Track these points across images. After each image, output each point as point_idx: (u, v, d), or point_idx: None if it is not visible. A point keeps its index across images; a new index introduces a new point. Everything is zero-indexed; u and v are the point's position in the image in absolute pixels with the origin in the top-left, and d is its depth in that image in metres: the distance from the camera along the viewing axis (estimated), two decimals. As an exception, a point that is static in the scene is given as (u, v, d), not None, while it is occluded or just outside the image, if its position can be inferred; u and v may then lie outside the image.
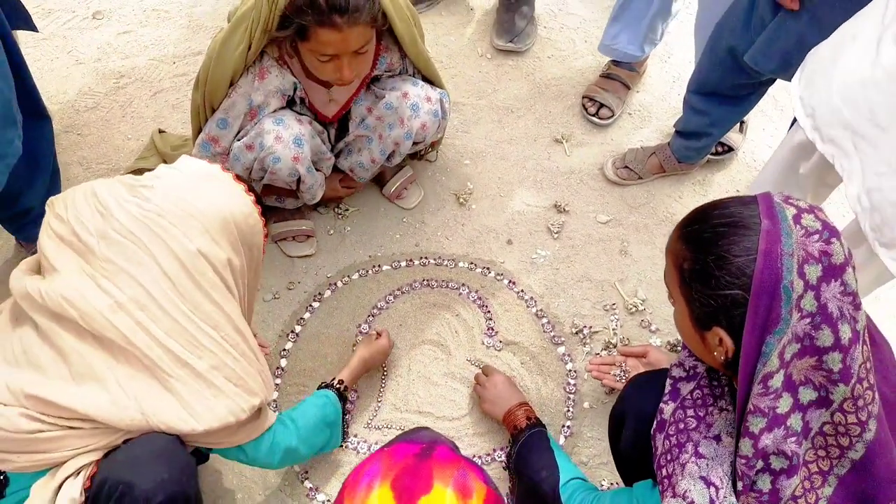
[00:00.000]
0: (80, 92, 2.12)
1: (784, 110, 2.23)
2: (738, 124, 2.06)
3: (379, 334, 1.66)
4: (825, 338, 0.86)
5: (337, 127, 1.76)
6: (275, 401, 1.63)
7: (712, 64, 1.71)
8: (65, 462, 1.10)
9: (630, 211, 1.98)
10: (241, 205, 1.19)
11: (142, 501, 1.07)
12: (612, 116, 2.13)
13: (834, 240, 0.87)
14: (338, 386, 1.50)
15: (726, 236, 0.89)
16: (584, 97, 2.16)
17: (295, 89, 1.59)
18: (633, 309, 1.80)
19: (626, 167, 2.01)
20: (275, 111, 1.58)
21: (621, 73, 2.15)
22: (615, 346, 1.74)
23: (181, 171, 1.19)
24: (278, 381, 1.66)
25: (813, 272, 0.85)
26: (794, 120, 1.82)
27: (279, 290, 1.80)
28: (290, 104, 1.63)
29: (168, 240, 1.10)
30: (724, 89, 1.73)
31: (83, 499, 1.10)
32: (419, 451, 0.86)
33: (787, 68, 1.46)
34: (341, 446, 1.56)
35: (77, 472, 1.10)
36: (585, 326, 1.76)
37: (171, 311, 1.10)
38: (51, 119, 1.64)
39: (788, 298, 0.85)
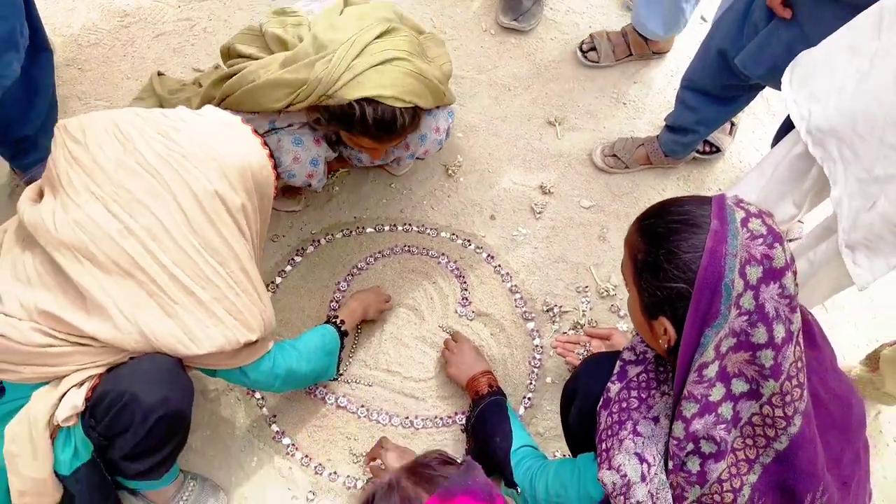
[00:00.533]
0: (84, 27, 2.13)
1: (776, 115, 2.27)
2: (729, 126, 2.10)
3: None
4: (760, 335, 0.92)
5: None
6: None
7: (704, 63, 1.74)
8: (68, 375, 1.16)
9: (613, 199, 2.03)
10: (258, 156, 1.25)
11: (142, 413, 1.15)
12: (596, 62, 2.23)
13: (777, 245, 0.92)
14: (338, 322, 1.57)
15: (678, 232, 0.95)
16: (589, 35, 2.25)
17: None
18: (605, 293, 1.86)
19: (615, 155, 2.05)
20: (296, 128, 1.60)
21: (633, 36, 2.21)
22: (583, 327, 1.80)
23: (206, 117, 1.25)
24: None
25: (754, 273, 0.90)
26: (781, 128, 1.87)
27: (264, 241, 1.84)
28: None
29: (189, 179, 1.16)
30: (714, 89, 1.77)
31: (83, 408, 1.16)
32: None
33: (774, 75, 1.50)
34: (335, 379, 1.64)
35: (81, 383, 1.16)
36: (556, 305, 1.82)
37: (182, 243, 1.15)
38: (52, 51, 1.66)
39: (728, 295, 0.90)
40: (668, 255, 0.94)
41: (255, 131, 1.30)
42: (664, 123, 2.01)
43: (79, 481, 1.23)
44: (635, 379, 1.13)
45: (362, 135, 1.48)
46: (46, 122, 1.70)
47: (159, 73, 1.99)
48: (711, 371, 0.94)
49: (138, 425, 1.18)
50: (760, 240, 0.92)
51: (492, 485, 0.90)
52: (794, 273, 0.94)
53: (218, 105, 1.58)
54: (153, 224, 1.15)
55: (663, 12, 2.06)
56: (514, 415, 1.49)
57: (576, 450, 1.35)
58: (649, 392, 1.10)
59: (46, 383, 1.20)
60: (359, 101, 1.41)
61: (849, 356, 1.81)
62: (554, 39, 2.33)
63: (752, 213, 0.95)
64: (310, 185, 1.70)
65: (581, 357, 1.64)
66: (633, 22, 2.17)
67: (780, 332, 0.92)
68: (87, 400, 1.18)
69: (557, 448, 1.64)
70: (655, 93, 2.24)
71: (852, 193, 1.30)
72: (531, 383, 1.72)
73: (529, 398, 1.70)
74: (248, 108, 1.49)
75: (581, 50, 2.26)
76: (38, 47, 1.60)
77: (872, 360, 1.63)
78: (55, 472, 1.21)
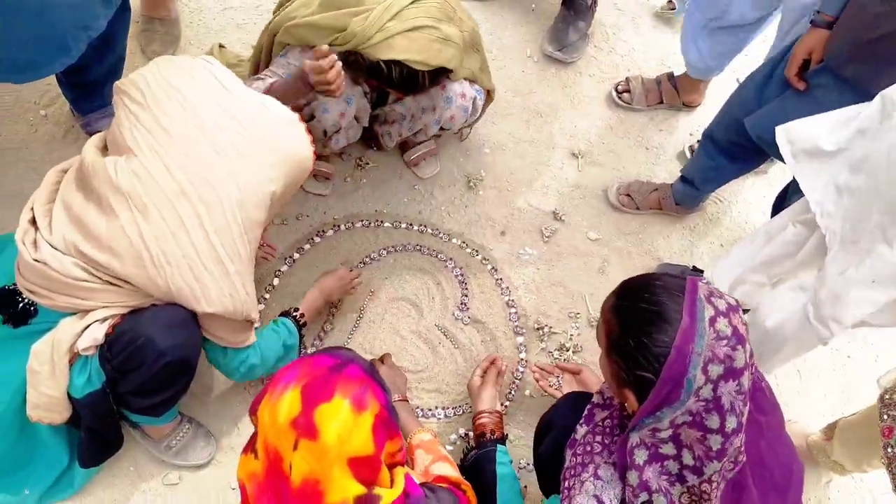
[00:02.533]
0: (159, -11, 2.26)
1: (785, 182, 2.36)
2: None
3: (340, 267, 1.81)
4: (713, 422, 1.01)
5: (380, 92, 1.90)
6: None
7: (722, 119, 1.86)
8: (94, 309, 1.29)
9: (619, 236, 2.15)
10: (307, 154, 1.39)
11: (155, 354, 1.29)
12: (628, 104, 2.36)
13: (739, 347, 1.01)
14: (296, 315, 1.66)
15: (649, 324, 1.02)
16: (626, 77, 2.38)
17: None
18: (595, 323, 1.97)
19: (629, 195, 2.17)
20: None
21: (666, 85, 2.34)
22: (568, 350, 1.91)
23: (271, 110, 1.37)
24: (266, 296, 1.85)
25: (715, 371, 0.99)
26: (779, 196, 1.97)
27: (288, 217, 1.98)
28: None
29: (249, 164, 1.29)
30: (727, 145, 1.87)
31: (103, 341, 1.29)
32: (333, 365, 0.98)
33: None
34: None
35: (104, 320, 1.30)
36: (547, 325, 1.94)
37: (228, 217, 1.28)
38: (130, 10, 1.80)
39: (689, 388, 0.99)
40: (639, 346, 1.02)
41: (309, 130, 1.42)
42: (680, 174, 2.12)
43: (87, 406, 1.37)
44: (601, 423, 1.23)
45: (387, 87, 1.65)
46: (111, 74, 1.84)
47: (220, 46, 2.13)
48: (665, 433, 1.04)
49: (149, 365, 1.31)
50: (725, 341, 1.00)
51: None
52: (751, 371, 1.04)
53: (269, 46, 1.73)
54: (207, 193, 1.27)
55: (705, 52, 2.14)
56: (507, 469, 1.49)
57: (543, 477, 1.44)
58: (612, 438, 1.19)
59: (74, 314, 1.33)
60: (387, 61, 1.55)
61: (813, 424, 1.92)
62: (592, 76, 2.44)
63: (721, 312, 1.02)
64: (338, 131, 1.78)
65: (553, 386, 1.74)
66: (682, 50, 2.26)
67: (731, 423, 1.01)
68: (107, 335, 1.31)
69: (523, 456, 1.75)
70: (677, 143, 2.35)
71: (835, 260, 1.41)
72: (511, 393, 1.84)
73: (507, 405, 1.82)
74: (294, 42, 1.63)
75: (616, 90, 2.38)
76: (123, 6, 1.73)
77: (829, 430, 1.73)
78: (68, 394, 1.35)
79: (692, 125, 2.38)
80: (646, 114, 2.39)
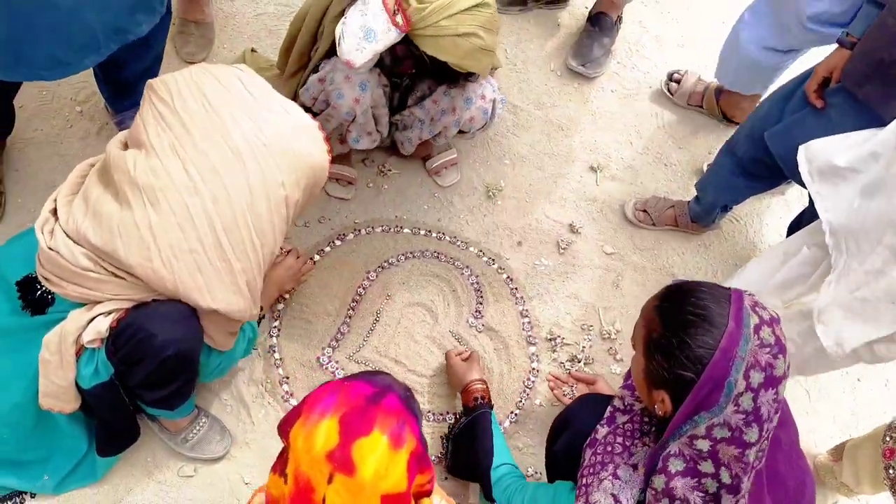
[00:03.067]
0: (194, -7, 2.33)
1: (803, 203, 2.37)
2: None
3: (287, 252, 1.79)
4: (752, 435, 1.03)
5: (401, 90, 1.94)
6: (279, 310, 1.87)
7: (742, 134, 1.86)
8: (102, 302, 1.34)
9: (635, 251, 2.17)
10: (323, 160, 1.41)
11: (156, 348, 1.32)
12: (671, 95, 2.42)
13: (780, 356, 1.03)
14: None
15: (694, 326, 1.04)
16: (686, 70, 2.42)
17: None
18: (607, 336, 1.99)
19: (645, 211, 2.19)
20: None
21: (711, 92, 2.38)
22: (580, 362, 1.94)
23: (292, 116, 1.40)
24: (287, 296, 1.89)
25: (756, 378, 1.01)
26: (796, 219, 1.99)
27: (310, 220, 2.02)
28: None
29: (264, 167, 1.31)
30: (745, 160, 1.87)
31: (108, 334, 1.34)
32: (371, 395, 0.96)
33: (793, 158, 1.59)
34: (349, 356, 1.83)
35: (109, 313, 1.34)
36: (559, 336, 1.96)
37: (237, 216, 1.30)
38: (172, 14, 1.85)
39: (730, 392, 1.02)
40: (682, 345, 1.04)
41: (328, 139, 1.46)
42: (695, 189, 2.14)
43: (96, 396, 1.41)
44: (622, 426, 1.25)
45: (417, 69, 1.74)
46: (147, 73, 1.90)
47: (252, 50, 2.18)
48: (702, 445, 1.05)
49: (150, 359, 1.34)
50: (768, 349, 1.02)
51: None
52: (786, 379, 1.06)
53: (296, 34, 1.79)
54: (219, 192, 1.29)
55: (735, 70, 2.17)
56: (499, 430, 1.61)
57: (553, 475, 1.47)
58: (633, 441, 1.22)
59: (84, 304, 1.36)
60: (429, 55, 1.64)
61: (821, 445, 1.92)
62: (614, 92, 2.47)
63: (765, 321, 1.05)
64: (353, 120, 1.81)
65: (567, 395, 1.78)
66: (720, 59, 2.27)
67: (766, 432, 1.04)
68: (111, 328, 1.34)
69: (531, 464, 1.78)
70: (696, 161, 2.37)
71: (840, 279, 1.43)
72: (521, 401, 1.86)
73: (517, 414, 1.85)
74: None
75: (668, 77, 2.43)
76: (167, 11, 1.79)
77: (837, 451, 1.74)
78: (77, 385, 1.39)
79: (711, 144, 2.40)
80: (666, 131, 2.41)
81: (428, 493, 1.04)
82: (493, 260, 2.06)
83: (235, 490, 1.64)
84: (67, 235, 1.32)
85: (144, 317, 1.34)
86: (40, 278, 1.38)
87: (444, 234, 2.08)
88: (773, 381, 1.02)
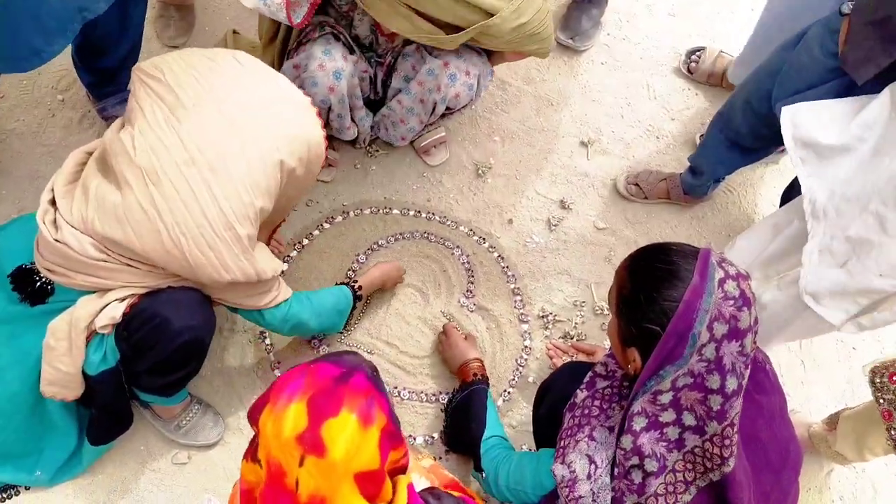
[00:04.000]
0: (173, -25, 2.29)
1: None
2: None
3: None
4: (713, 382, 1.05)
5: (385, 70, 1.91)
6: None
7: (739, 108, 1.79)
8: (114, 289, 1.33)
9: (627, 225, 2.15)
10: (319, 137, 1.40)
11: (171, 334, 1.33)
12: (690, 74, 2.39)
13: (745, 308, 1.04)
14: (355, 286, 1.73)
15: (661, 280, 1.06)
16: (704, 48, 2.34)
17: None
18: (599, 311, 1.98)
19: (637, 185, 2.17)
20: (328, 42, 1.74)
21: (721, 61, 2.34)
22: (572, 338, 1.93)
23: (285, 89, 1.39)
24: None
25: (720, 329, 1.02)
26: (788, 187, 1.96)
27: (298, 204, 2.00)
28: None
29: (259, 133, 1.30)
30: (744, 134, 1.82)
31: (121, 320, 1.33)
32: (338, 375, 0.96)
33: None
34: (341, 334, 1.84)
35: (123, 299, 1.34)
36: (551, 314, 1.95)
37: (237, 182, 1.28)
38: None
39: (693, 343, 1.03)
40: (649, 300, 1.06)
41: (320, 115, 1.44)
42: (688, 162, 2.11)
43: (101, 383, 1.41)
44: (601, 391, 1.27)
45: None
46: (127, 59, 1.87)
47: (234, 32, 2.15)
48: (665, 398, 1.08)
49: (164, 345, 1.35)
50: (731, 301, 1.03)
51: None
52: (755, 334, 1.07)
53: None
54: (216, 160, 1.27)
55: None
56: (493, 406, 1.63)
57: (540, 442, 1.50)
58: (611, 404, 1.24)
59: (93, 292, 1.36)
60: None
61: (815, 414, 1.92)
62: (604, 64, 2.43)
63: (731, 275, 1.05)
64: (329, 108, 1.80)
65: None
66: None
67: (731, 384, 1.05)
68: (124, 314, 1.34)
69: (525, 442, 1.78)
70: (689, 132, 2.33)
71: (822, 249, 1.41)
72: (514, 379, 1.86)
73: (509, 392, 1.84)
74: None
75: (687, 54, 2.41)
76: None
77: (832, 420, 1.74)
78: (83, 371, 1.39)
79: (704, 115, 2.37)
80: (658, 102, 2.38)
81: (403, 470, 1.04)
82: (484, 239, 2.05)
83: (230, 476, 1.65)
84: (73, 227, 1.31)
85: (160, 303, 1.34)
86: (41, 269, 1.37)
87: (433, 214, 2.06)
88: (738, 334, 1.03)
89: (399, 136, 2.00)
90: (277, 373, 1.78)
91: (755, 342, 1.08)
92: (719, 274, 1.05)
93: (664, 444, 1.10)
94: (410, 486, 1.06)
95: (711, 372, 1.04)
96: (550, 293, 2.00)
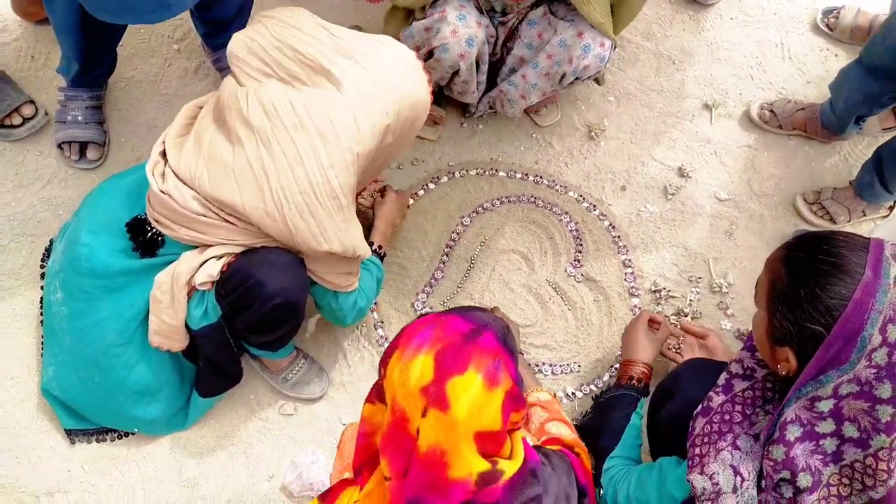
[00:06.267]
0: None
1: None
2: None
3: (382, 193, 1.75)
4: (884, 391, 0.93)
5: (507, 33, 1.80)
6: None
7: (880, 46, 1.68)
8: (212, 245, 1.34)
9: (751, 197, 1.98)
10: (426, 95, 1.37)
11: (264, 296, 1.32)
12: (830, 31, 2.19)
13: None
14: (377, 249, 1.66)
15: (825, 275, 0.94)
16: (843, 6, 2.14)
17: None
18: (717, 289, 1.85)
19: (772, 111, 2.03)
20: (463, 4, 1.65)
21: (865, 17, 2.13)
22: (686, 316, 1.82)
23: (392, 49, 1.36)
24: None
25: (894, 332, 0.90)
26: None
27: (404, 163, 1.96)
28: None
29: (368, 100, 1.27)
30: (884, 71, 1.70)
31: (218, 277, 1.35)
32: (468, 332, 0.94)
33: None
34: (443, 302, 1.81)
35: (220, 257, 1.35)
36: (665, 288, 1.84)
37: (344, 151, 1.27)
38: None
39: (863, 348, 0.91)
40: (811, 296, 0.95)
41: (429, 75, 1.39)
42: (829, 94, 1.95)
43: (204, 337, 1.44)
44: (740, 394, 1.15)
45: None
46: (241, 12, 1.86)
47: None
48: (825, 406, 0.97)
49: (258, 307, 1.35)
50: None
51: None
52: None
53: None
54: (325, 125, 1.26)
55: None
56: (639, 421, 1.47)
57: (655, 445, 1.39)
58: (754, 409, 1.12)
59: (195, 247, 1.38)
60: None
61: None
62: (734, 19, 2.23)
63: None
64: (457, 73, 1.74)
65: (670, 348, 1.67)
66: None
67: None
68: (222, 272, 1.35)
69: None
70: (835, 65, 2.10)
71: None
72: (619, 355, 1.78)
73: (616, 368, 1.76)
74: None
75: (823, 12, 2.21)
76: None
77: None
78: (186, 325, 1.42)
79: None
80: (793, 63, 2.17)
81: (519, 428, 1.02)
82: (595, 206, 1.94)
83: (333, 430, 1.67)
84: (179, 178, 1.32)
85: (254, 264, 1.34)
86: (150, 220, 1.40)
87: (541, 177, 1.97)
88: None
89: (516, 112, 1.90)
90: (381, 331, 1.77)
91: None
92: (894, 270, 0.93)
93: (819, 456, 0.99)
94: (525, 441, 1.04)
95: (882, 380, 0.92)
96: (664, 267, 1.88)
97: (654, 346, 1.63)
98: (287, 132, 1.26)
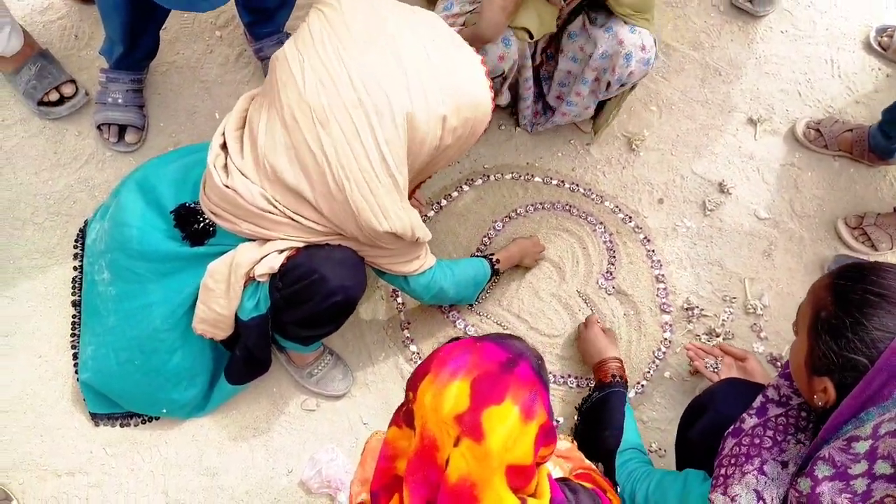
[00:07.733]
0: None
1: None
2: None
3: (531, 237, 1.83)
4: None
5: (545, 42, 1.77)
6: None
7: None
8: (274, 239, 1.34)
9: (792, 217, 1.94)
10: (487, 99, 1.33)
11: (325, 292, 1.33)
12: (884, 51, 2.13)
13: None
14: (493, 260, 1.69)
15: (873, 306, 0.92)
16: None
17: None
18: (752, 310, 1.81)
19: (818, 130, 1.97)
20: None
21: None
22: (717, 336, 1.78)
23: (460, 48, 1.32)
24: None
25: None
26: None
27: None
28: None
29: (428, 93, 1.24)
30: None
31: (277, 271, 1.35)
32: (505, 361, 0.92)
33: None
34: (471, 305, 1.79)
35: (282, 251, 1.35)
36: (697, 307, 1.81)
37: (398, 128, 1.24)
38: None
39: None
40: (856, 326, 0.92)
41: (492, 81, 1.36)
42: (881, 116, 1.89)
43: (251, 328, 1.43)
44: (773, 419, 1.13)
45: None
46: (286, 2, 1.85)
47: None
48: (861, 447, 0.94)
49: (318, 302, 1.35)
50: None
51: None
52: None
53: None
54: (381, 102, 1.22)
55: None
56: (631, 411, 1.52)
57: (682, 460, 1.38)
58: (786, 436, 1.10)
59: (253, 240, 1.37)
60: None
61: None
62: (784, 33, 2.17)
63: None
64: (501, 75, 1.70)
65: (708, 367, 1.64)
66: None
67: None
68: (282, 265, 1.35)
69: (654, 440, 1.68)
70: (878, 118, 2.05)
71: None
72: (649, 372, 1.75)
73: (643, 385, 1.74)
74: None
75: (877, 29, 2.15)
76: None
77: None
78: (235, 315, 1.41)
79: (899, 99, 2.07)
80: (842, 81, 2.11)
81: (545, 463, 0.99)
82: (630, 217, 1.91)
83: (354, 428, 1.66)
84: (244, 174, 1.31)
85: (318, 260, 1.34)
86: (206, 212, 1.39)
87: (577, 185, 1.94)
88: None
89: (564, 122, 1.90)
90: (407, 333, 1.76)
91: None
92: None
93: (848, 495, 0.96)
94: (551, 477, 1.02)
95: None
96: (698, 284, 1.85)
97: (612, 340, 1.67)
98: (346, 110, 1.23)
